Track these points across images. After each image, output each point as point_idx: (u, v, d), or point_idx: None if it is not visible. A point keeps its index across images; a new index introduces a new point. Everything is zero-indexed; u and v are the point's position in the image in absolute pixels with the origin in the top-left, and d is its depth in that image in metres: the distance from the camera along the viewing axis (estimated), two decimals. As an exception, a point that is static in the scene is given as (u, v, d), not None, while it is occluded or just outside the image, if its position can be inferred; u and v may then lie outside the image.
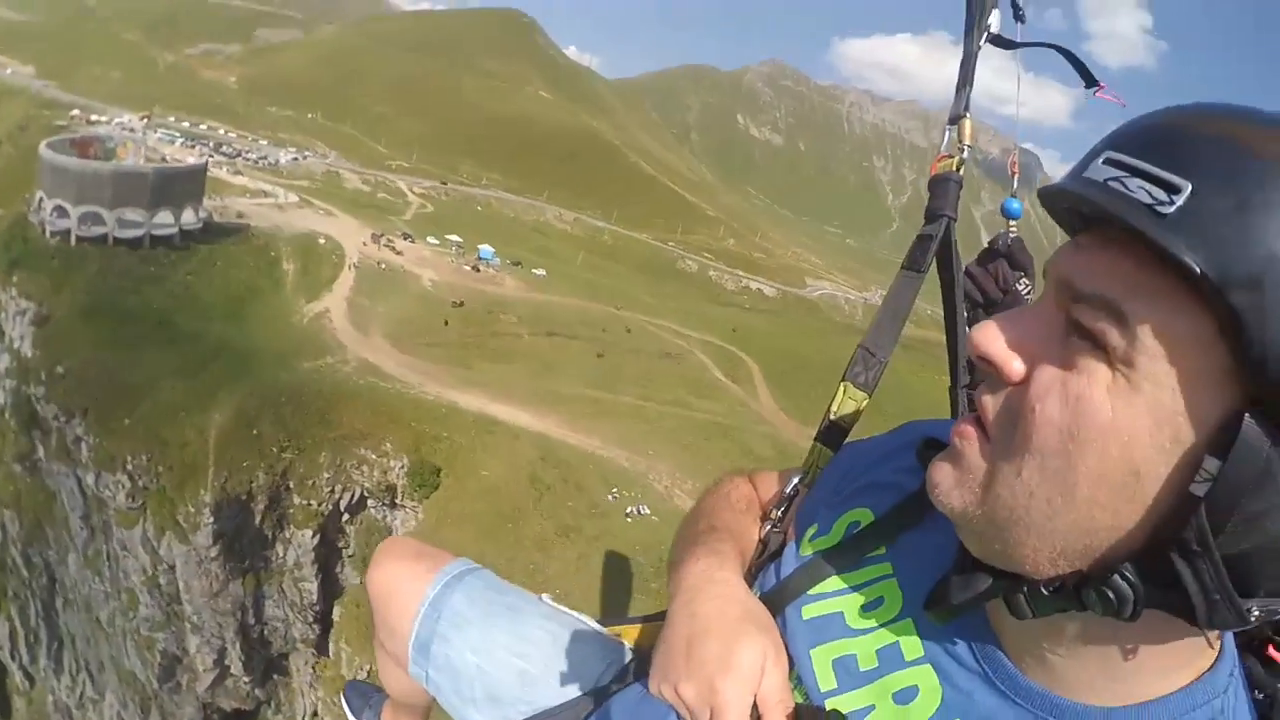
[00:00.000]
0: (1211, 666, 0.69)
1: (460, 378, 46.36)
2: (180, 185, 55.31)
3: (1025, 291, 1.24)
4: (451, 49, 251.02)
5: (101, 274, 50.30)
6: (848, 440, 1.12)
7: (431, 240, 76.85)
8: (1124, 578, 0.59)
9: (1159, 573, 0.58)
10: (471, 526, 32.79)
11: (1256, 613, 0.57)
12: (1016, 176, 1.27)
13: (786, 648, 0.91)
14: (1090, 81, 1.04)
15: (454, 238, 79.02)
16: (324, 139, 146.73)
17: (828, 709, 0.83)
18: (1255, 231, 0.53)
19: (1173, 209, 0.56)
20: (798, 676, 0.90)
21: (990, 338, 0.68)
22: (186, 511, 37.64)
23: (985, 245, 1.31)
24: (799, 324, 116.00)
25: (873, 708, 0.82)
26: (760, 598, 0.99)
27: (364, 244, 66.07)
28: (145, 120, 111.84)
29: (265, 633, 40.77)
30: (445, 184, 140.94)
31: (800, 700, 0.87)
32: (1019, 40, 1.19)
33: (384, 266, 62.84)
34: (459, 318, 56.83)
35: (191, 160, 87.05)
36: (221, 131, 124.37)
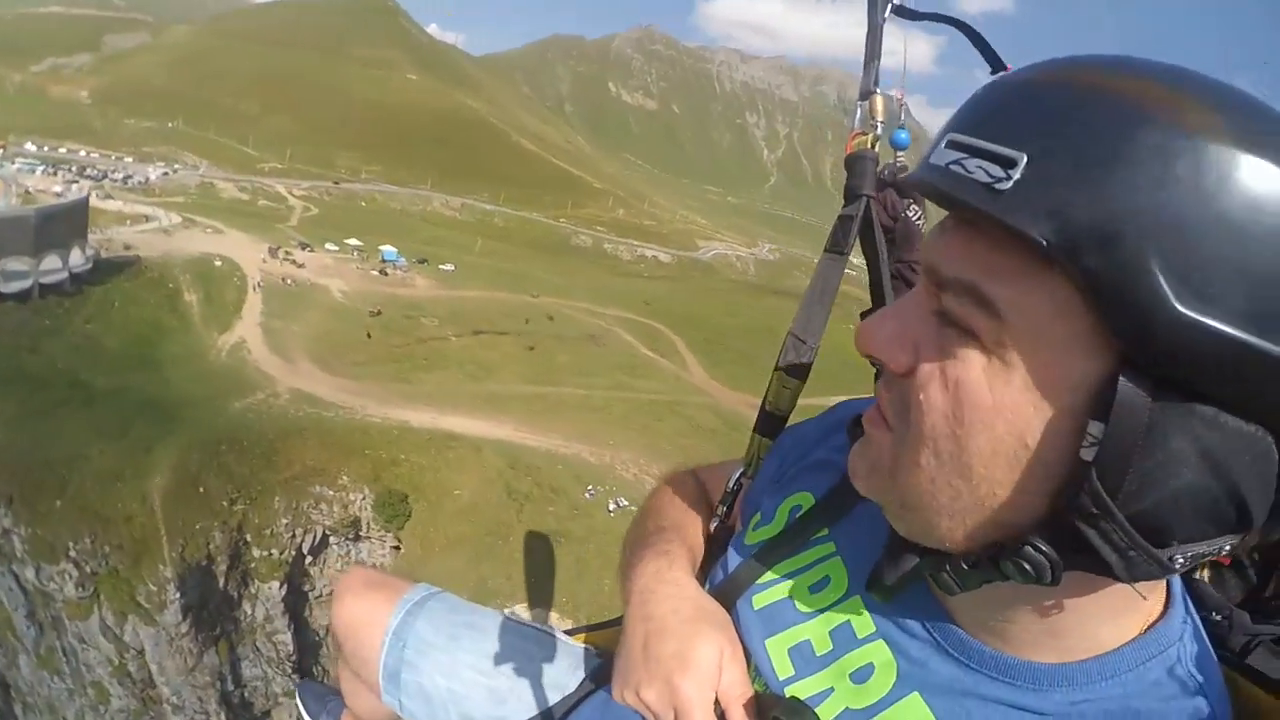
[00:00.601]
0: (1164, 614, 0.71)
1: (401, 393, 45.01)
2: (64, 225, 49.85)
3: (915, 218, 1.22)
4: (312, 39, 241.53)
5: None
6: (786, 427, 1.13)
7: (330, 247, 74.04)
8: (1035, 548, 0.60)
9: (1068, 538, 0.58)
10: (462, 551, 32.05)
11: (1180, 559, 0.57)
12: (903, 108, 1.23)
13: (742, 640, 0.92)
14: (997, 65, 1.02)
15: (353, 241, 76.45)
16: (190, 148, 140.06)
17: (787, 696, 0.84)
18: (1097, 189, 0.53)
19: (1009, 184, 0.55)
20: (755, 668, 0.90)
21: (870, 334, 0.70)
22: (148, 590, 34.59)
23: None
24: (703, 287, 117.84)
25: (831, 690, 0.83)
26: (711, 593, 1.00)
27: (263, 260, 62.87)
28: (0, 150, 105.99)
29: (246, 694, 38.18)
30: (336, 184, 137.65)
31: (760, 690, 0.88)
32: (921, 11, 1.17)
33: (290, 283, 60.00)
34: (380, 328, 55.12)
35: (69, 194, 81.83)
36: (82, 153, 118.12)
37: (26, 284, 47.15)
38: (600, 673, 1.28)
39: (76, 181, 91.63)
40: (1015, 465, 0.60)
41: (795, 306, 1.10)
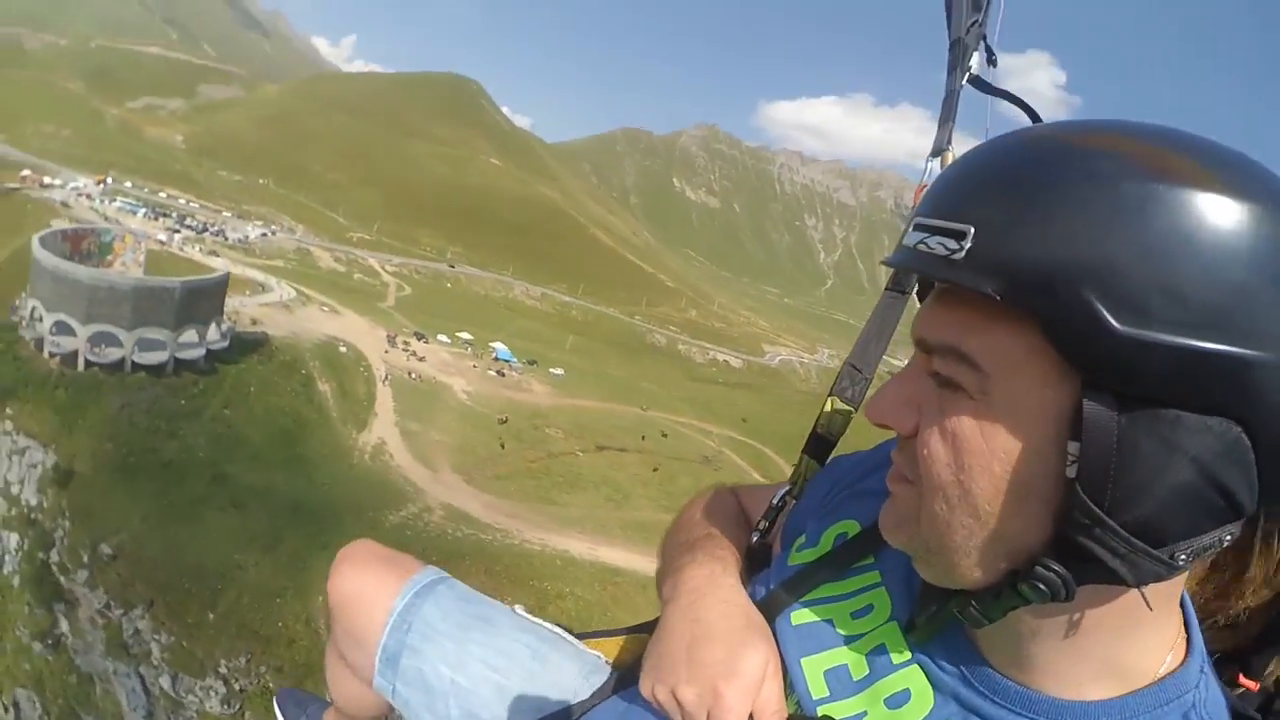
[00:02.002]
0: (1183, 663, 0.74)
1: (550, 515, 43.52)
2: (205, 300, 48.04)
3: None
4: (398, 114, 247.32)
5: (125, 410, 42.85)
6: (834, 453, 1.17)
7: (443, 339, 73.38)
8: (1046, 567, 0.65)
9: (1074, 552, 0.64)
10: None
11: (1182, 556, 0.62)
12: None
13: (781, 656, 0.94)
14: (1034, 117, 1.09)
15: (464, 335, 75.80)
16: (282, 209, 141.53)
17: (820, 716, 0.86)
18: (1031, 244, 0.61)
19: (962, 254, 0.64)
20: (790, 685, 0.92)
21: (878, 404, 0.76)
22: (310, 714, 32.07)
23: None
24: (781, 399, 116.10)
25: (865, 714, 0.85)
26: None
27: (385, 351, 61.89)
28: (101, 185, 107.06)
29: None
30: (452, 266, 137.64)
31: (793, 710, 0.89)
32: (994, 86, 1.26)
33: (415, 378, 59.02)
34: (510, 437, 54.04)
35: (172, 242, 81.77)
36: (182, 201, 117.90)
37: (163, 357, 45.52)
38: (616, 681, 1.24)
39: (179, 231, 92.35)
40: (1017, 497, 0.66)
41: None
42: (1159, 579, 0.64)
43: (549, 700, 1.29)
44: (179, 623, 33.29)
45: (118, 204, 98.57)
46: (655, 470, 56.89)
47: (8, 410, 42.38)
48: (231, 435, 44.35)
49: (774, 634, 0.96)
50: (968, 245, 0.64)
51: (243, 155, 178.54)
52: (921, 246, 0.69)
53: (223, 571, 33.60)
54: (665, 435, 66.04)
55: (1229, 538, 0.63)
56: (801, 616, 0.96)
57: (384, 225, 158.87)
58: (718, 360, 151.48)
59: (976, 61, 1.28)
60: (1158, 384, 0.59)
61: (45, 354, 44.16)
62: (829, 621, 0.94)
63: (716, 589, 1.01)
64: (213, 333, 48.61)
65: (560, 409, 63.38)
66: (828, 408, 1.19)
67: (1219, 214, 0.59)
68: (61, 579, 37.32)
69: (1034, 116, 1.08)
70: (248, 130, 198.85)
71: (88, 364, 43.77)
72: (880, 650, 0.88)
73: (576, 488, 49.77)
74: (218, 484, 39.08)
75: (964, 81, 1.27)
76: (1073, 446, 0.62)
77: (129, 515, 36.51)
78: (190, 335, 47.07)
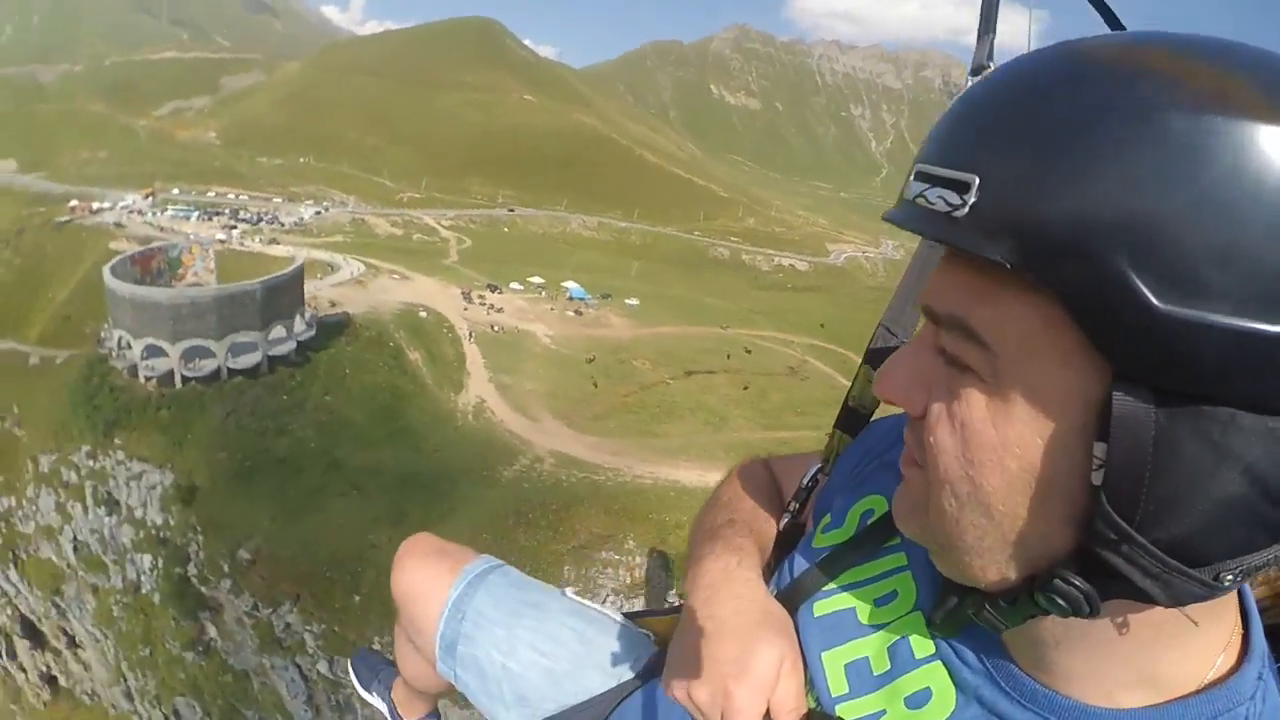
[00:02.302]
0: (1237, 667, 0.65)
1: (653, 448, 43.26)
2: (286, 294, 48.00)
3: None
4: (424, 67, 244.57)
5: (231, 417, 43.51)
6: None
7: (516, 286, 73.35)
8: (1065, 580, 0.57)
9: (1098, 566, 0.55)
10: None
11: (1229, 576, 0.53)
12: None
13: (801, 649, 0.90)
14: (1115, 24, 0.93)
15: (536, 279, 75.69)
16: (329, 183, 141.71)
17: (837, 716, 0.83)
18: (1052, 196, 0.50)
19: (965, 209, 0.54)
20: (810, 680, 0.89)
21: (884, 381, 0.68)
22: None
23: None
24: (853, 298, 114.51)
25: (884, 712, 0.81)
26: (776, 595, 0.98)
27: (465, 309, 62.02)
28: (150, 198, 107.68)
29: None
30: (511, 210, 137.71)
31: (813, 705, 0.87)
32: None
33: (498, 330, 59.03)
34: (600, 375, 53.88)
35: (231, 239, 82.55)
36: (231, 196, 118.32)
37: (257, 358, 45.95)
38: (660, 661, 1.21)
39: (235, 226, 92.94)
40: (1034, 499, 0.58)
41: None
42: (1197, 600, 0.55)
43: (595, 682, 1.29)
44: (327, 610, 34.13)
45: (169, 213, 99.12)
46: (745, 389, 56.37)
47: (116, 440, 43.56)
48: (336, 420, 44.98)
49: (797, 624, 0.92)
50: (971, 200, 0.54)
51: (277, 138, 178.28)
52: (921, 200, 0.59)
53: (358, 553, 34.01)
54: (749, 351, 65.42)
55: None
56: (824, 606, 0.92)
57: (431, 181, 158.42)
58: (783, 265, 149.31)
59: None
60: (1209, 376, 0.48)
61: (141, 379, 45.07)
62: (851, 610, 0.89)
63: (731, 583, 0.97)
64: (298, 324, 49.05)
65: (642, 339, 63.02)
66: (860, 378, 1.10)
67: None
68: (203, 589, 38.60)
69: (1113, 21, 0.90)
70: (276, 112, 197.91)
71: (184, 380, 44.62)
72: (902, 643, 0.82)
73: (673, 417, 49.48)
74: (333, 471, 39.72)
75: None
76: (1099, 448, 0.53)
77: (257, 518, 37.47)
78: (278, 331, 47.50)
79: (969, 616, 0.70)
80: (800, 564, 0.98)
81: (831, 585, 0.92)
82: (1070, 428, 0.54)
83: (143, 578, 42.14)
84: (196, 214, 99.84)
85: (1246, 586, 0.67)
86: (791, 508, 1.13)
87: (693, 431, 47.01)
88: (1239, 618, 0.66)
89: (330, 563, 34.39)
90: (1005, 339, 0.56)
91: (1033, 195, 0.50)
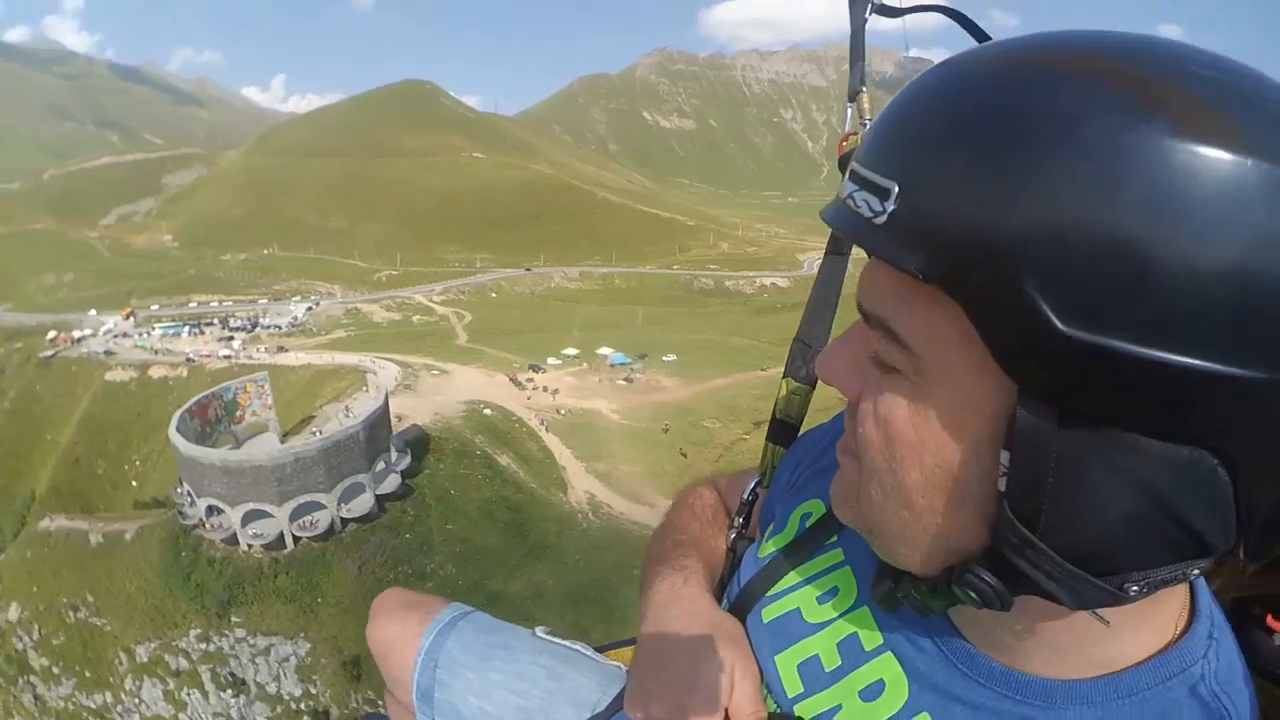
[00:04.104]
0: (1188, 628, 0.67)
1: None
2: (382, 428, 44.93)
3: None
4: (368, 138, 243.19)
5: (366, 569, 40.45)
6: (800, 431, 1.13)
7: (554, 361, 72.43)
8: (977, 575, 0.59)
9: (1007, 565, 0.56)
10: None
11: (1134, 588, 0.54)
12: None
13: (755, 655, 0.92)
14: (982, 39, 0.88)
15: (570, 351, 74.78)
16: (303, 273, 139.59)
17: (796, 716, 0.84)
18: (962, 211, 0.49)
19: (884, 217, 0.54)
20: (767, 685, 0.90)
21: (824, 363, 0.69)
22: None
23: None
24: (842, 308, 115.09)
25: (840, 707, 0.81)
26: (727, 607, 1.00)
27: (527, 399, 60.93)
28: (130, 318, 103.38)
29: None
30: (528, 269, 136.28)
31: (773, 708, 0.88)
32: (904, 6, 1.11)
33: (564, 414, 57.94)
34: (681, 443, 53.32)
35: (234, 351, 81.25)
36: (214, 304, 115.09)
37: (369, 501, 42.66)
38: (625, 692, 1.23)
39: (232, 337, 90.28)
40: (950, 497, 0.59)
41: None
42: (1102, 606, 0.56)
43: (568, 715, 1.31)
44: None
45: (158, 332, 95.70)
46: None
47: (234, 618, 40.50)
48: (471, 550, 42.85)
49: (748, 631, 0.94)
50: (890, 207, 0.54)
51: (236, 233, 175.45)
52: (849, 202, 0.59)
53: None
54: (796, 394, 65.67)
55: (1196, 573, 0.55)
56: (771, 611, 0.93)
57: (405, 255, 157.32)
58: (766, 285, 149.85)
59: None
60: (1113, 401, 0.48)
61: (243, 546, 41.52)
62: (797, 610, 0.90)
63: (677, 601, 1.00)
64: (394, 455, 45.61)
65: (700, 398, 62.37)
66: (783, 391, 1.13)
67: (1218, 177, 0.44)
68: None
69: (969, 26, 0.89)
70: (229, 206, 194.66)
71: (295, 540, 41.37)
72: (851, 638, 0.84)
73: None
74: (495, 605, 36.92)
75: (869, 14, 1.13)
76: (1005, 457, 0.54)
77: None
78: (379, 465, 44.08)
79: (896, 599, 0.71)
80: (747, 573, 1.00)
81: (776, 589, 0.94)
82: (981, 435, 0.56)
83: (292, 752, 39.72)
84: (186, 329, 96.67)
85: None
86: (736, 522, 1.14)
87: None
88: (1188, 586, 0.67)
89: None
90: (924, 345, 0.56)
91: (945, 207, 0.50)
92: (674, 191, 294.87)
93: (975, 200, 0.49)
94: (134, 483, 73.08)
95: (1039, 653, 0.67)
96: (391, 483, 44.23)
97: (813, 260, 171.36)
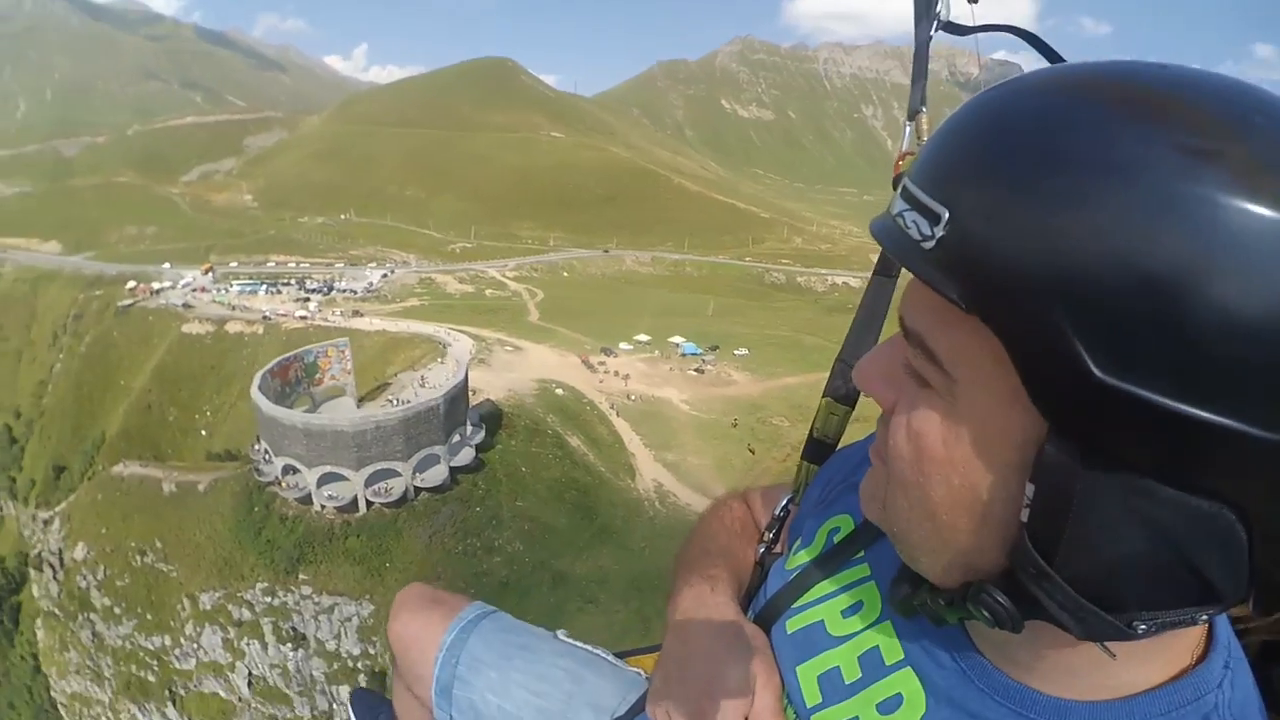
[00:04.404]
0: (1204, 657, 0.67)
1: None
2: (461, 402, 44.93)
3: None
4: (450, 112, 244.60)
5: (436, 538, 40.95)
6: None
7: (625, 346, 71.65)
8: (991, 596, 0.60)
9: (1020, 591, 0.58)
10: None
11: (1142, 626, 0.55)
12: None
13: (777, 666, 0.93)
14: (1054, 60, 0.89)
15: (642, 337, 73.89)
16: (378, 240, 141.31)
17: None
18: (1008, 246, 0.50)
19: (933, 242, 0.54)
20: (788, 695, 0.91)
21: (862, 371, 0.70)
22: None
23: None
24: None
25: (857, 719, 0.82)
26: (754, 618, 1.02)
27: (600, 381, 60.26)
28: (209, 273, 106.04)
29: None
30: (606, 251, 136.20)
31: (792, 717, 0.89)
32: (973, 24, 1.12)
33: (636, 400, 57.35)
34: (750, 438, 52.46)
35: (311, 311, 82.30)
36: (292, 264, 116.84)
37: (443, 472, 43.04)
38: (645, 699, 1.21)
39: (308, 298, 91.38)
40: (973, 517, 0.60)
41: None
42: (1111, 639, 0.57)
43: (587, 718, 1.32)
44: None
45: (236, 289, 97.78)
46: (884, 436, 55.52)
47: (301, 575, 41.06)
48: (540, 528, 42.75)
49: (772, 642, 0.96)
50: (940, 233, 0.54)
51: (316, 197, 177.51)
52: (899, 220, 0.60)
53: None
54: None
55: (1204, 619, 0.56)
56: (796, 623, 0.94)
57: (479, 229, 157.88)
58: (838, 284, 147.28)
59: (947, 3, 1.11)
60: (1139, 447, 0.49)
61: (317, 507, 42.29)
62: (820, 623, 0.91)
63: (703, 608, 1.02)
64: (469, 429, 45.81)
65: (771, 394, 61.23)
66: (821, 409, 1.15)
67: (1264, 237, 0.44)
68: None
69: (1038, 44, 0.89)
70: (310, 170, 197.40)
71: (369, 504, 41.87)
72: (873, 651, 0.85)
73: None
74: (561, 586, 37.99)
75: (934, 31, 1.13)
76: (1029, 488, 0.55)
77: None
78: (454, 439, 44.40)
79: (914, 605, 0.73)
80: (774, 585, 1.02)
81: (801, 601, 0.95)
82: (1009, 462, 0.57)
83: (335, 706, 40.50)
84: (264, 288, 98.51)
85: None
86: (766, 537, 1.16)
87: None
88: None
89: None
90: (959, 367, 0.57)
91: (992, 240, 0.51)
92: (748, 182, 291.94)
93: (1021, 237, 0.49)
94: (203, 432, 75.25)
95: (1053, 673, 0.68)
96: (465, 456, 44.29)
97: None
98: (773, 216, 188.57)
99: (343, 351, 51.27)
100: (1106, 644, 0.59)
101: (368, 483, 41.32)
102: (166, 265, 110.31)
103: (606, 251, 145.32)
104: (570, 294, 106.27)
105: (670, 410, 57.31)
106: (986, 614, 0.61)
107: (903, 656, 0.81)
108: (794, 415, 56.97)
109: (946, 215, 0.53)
